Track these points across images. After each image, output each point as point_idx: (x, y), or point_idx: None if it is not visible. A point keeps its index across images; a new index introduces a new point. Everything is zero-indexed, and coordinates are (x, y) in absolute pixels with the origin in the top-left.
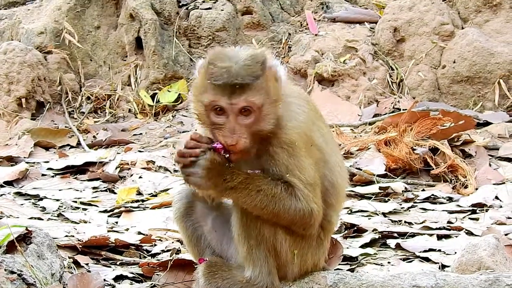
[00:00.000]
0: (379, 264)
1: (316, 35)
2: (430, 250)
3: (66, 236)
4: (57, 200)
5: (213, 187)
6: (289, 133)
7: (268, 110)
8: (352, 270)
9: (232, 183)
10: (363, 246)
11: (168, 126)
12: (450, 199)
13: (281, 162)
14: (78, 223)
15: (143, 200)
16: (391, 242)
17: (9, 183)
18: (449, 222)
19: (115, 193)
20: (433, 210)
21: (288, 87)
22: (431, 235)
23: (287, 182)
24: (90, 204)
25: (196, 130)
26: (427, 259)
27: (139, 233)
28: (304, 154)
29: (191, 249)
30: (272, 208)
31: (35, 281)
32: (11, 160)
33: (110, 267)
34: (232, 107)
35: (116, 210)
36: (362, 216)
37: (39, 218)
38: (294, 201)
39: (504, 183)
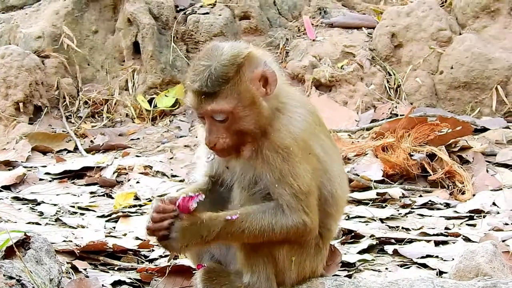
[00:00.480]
0: (376, 270)
1: (313, 40)
2: (428, 256)
3: (64, 241)
4: (55, 204)
5: (196, 245)
6: (284, 137)
7: (244, 112)
8: (349, 276)
9: (211, 236)
10: (361, 252)
11: (165, 131)
12: (447, 205)
13: (274, 166)
14: (75, 228)
15: (140, 205)
16: (389, 248)
17: (6, 187)
18: (446, 228)
19: (112, 198)
20: (430, 216)
21: (294, 93)
22: (428, 241)
23: (274, 201)
24: (87, 209)
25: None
26: (424, 265)
27: (137, 238)
28: (300, 160)
29: (190, 254)
30: (263, 238)
31: (33, 287)
32: (9, 165)
33: (108, 272)
34: (204, 112)
35: (114, 215)
36: (359, 222)
37: (37, 223)
38: (284, 220)
39: (501, 189)
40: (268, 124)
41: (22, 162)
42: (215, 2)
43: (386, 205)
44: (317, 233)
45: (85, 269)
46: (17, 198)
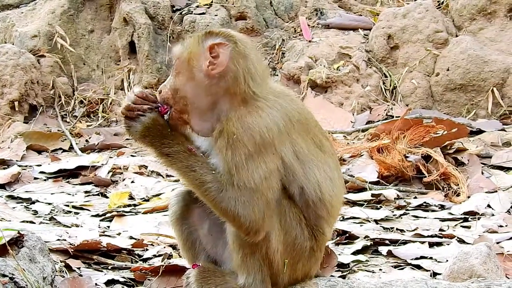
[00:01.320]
0: (370, 271)
1: (310, 41)
2: (422, 257)
3: (58, 240)
4: (49, 203)
5: (150, 146)
6: (234, 126)
7: (182, 79)
8: (343, 277)
9: (167, 150)
10: (355, 253)
11: None
12: (442, 207)
13: (219, 151)
14: (70, 227)
15: (135, 205)
16: (383, 249)
17: (1, 186)
18: (441, 229)
19: (107, 197)
20: (425, 217)
21: (278, 93)
22: (422, 242)
23: (219, 179)
24: (82, 208)
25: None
26: (418, 267)
27: (131, 237)
28: (251, 154)
29: (185, 253)
30: (201, 194)
31: (26, 285)
32: (4, 163)
33: (101, 271)
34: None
35: (108, 215)
36: (354, 223)
37: (31, 222)
38: (219, 199)
39: (496, 191)
40: (219, 109)
41: (17, 161)
42: (211, 2)
43: (381, 206)
44: (312, 235)
45: (78, 268)
46: (11, 197)
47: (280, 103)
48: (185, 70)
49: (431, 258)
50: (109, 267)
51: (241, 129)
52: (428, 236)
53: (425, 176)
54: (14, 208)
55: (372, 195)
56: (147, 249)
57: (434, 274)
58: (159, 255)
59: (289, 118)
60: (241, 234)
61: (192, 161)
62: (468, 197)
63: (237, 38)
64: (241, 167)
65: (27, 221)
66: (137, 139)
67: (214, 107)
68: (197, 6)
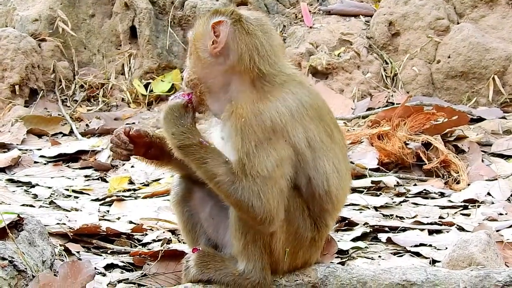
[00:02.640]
0: (370, 258)
1: (311, 27)
2: (421, 245)
3: (58, 223)
4: (49, 187)
5: (165, 131)
6: (240, 107)
7: (193, 59)
8: (342, 264)
9: (178, 143)
10: (354, 239)
11: None
12: (442, 194)
13: (229, 137)
14: (69, 211)
15: (135, 189)
16: (382, 236)
17: (1, 169)
18: (440, 217)
19: (107, 181)
20: (424, 205)
21: (292, 80)
22: (422, 230)
23: (231, 167)
24: (82, 192)
25: None
26: (418, 254)
27: (131, 222)
28: (261, 141)
29: (186, 236)
30: (214, 187)
31: (26, 268)
32: (4, 147)
33: (101, 255)
34: None
35: (108, 199)
36: (353, 209)
37: (31, 205)
38: (232, 189)
39: (496, 179)
40: (230, 89)
41: (17, 144)
42: None
43: (381, 193)
44: (314, 226)
45: (78, 252)
46: (11, 180)
47: (292, 85)
48: (194, 51)
49: (430, 245)
50: (108, 251)
51: (251, 114)
52: (427, 224)
53: (425, 164)
54: (14, 191)
55: (372, 182)
56: (146, 234)
57: (433, 262)
58: (159, 240)
59: (302, 102)
60: (254, 225)
61: (203, 153)
62: (468, 184)
63: (241, 15)
64: (252, 155)
65: (27, 205)
66: (159, 120)
67: (227, 88)
68: None
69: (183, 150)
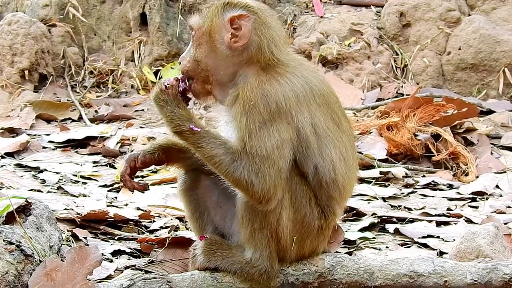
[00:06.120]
0: (377, 249)
1: (321, 17)
2: (429, 236)
3: (65, 209)
4: (57, 173)
5: (160, 113)
6: (251, 91)
7: (203, 51)
8: (350, 254)
9: (177, 129)
10: (362, 230)
11: None
12: (450, 186)
13: (234, 118)
14: (77, 197)
15: (143, 176)
16: (390, 227)
17: (10, 154)
18: (448, 209)
19: (115, 168)
20: (433, 196)
21: (300, 68)
22: (430, 221)
23: (230, 146)
24: (90, 178)
25: None
26: (425, 245)
27: (138, 208)
28: (265, 122)
29: (193, 224)
30: (214, 167)
31: (33, 253)
32: (13, 132)
33: (108, 241)
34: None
35: (116, 185)
36: (361, 200)
37: (39, 190)
38: (232, 168)
39: (505, 172)
40: (240, 76)
41: (26, 129)
42: None
43: (389, 184)
44: (322, 215)
45: (85, 238)
46: (20, 165)
47: (301, 70)
48: (206, 42)
49: (438, 237)
50: (116, 238)
51: (258, 96)
52: (435, 215)
53: (434, 155)
54: (22, 176)
55: (381, 172)
56: (154, 221)
57: (441, 253)
58: (166, 227)
59: (310, 88)
60: (253, 203)
61: (196, 138)
62: (477, 177)
63: (257, 8)
64: (254, 134)
65: (35, 190)
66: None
67: (236, 76)
68: None
69: (180, 136)
